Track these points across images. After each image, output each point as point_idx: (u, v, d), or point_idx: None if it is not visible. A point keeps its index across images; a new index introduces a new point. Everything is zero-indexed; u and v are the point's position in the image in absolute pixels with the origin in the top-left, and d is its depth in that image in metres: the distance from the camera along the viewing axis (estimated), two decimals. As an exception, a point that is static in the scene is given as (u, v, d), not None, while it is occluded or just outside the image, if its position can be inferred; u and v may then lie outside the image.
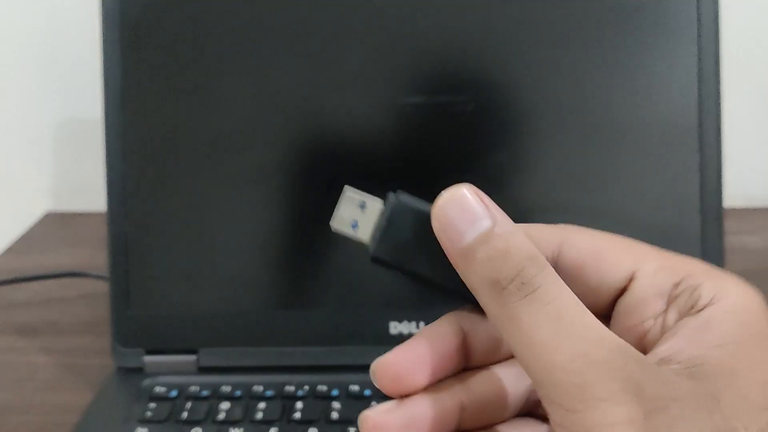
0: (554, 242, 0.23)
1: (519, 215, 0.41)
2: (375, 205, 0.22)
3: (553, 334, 0.18)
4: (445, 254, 0.20)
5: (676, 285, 0.21)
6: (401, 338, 0.42)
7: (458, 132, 0.41)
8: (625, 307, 0.22)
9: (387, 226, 0.21)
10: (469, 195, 0.21)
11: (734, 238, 0.64)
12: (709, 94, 0.40)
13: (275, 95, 0.42)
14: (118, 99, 0.42)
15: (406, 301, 0.42)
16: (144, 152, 0.43)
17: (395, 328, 0.42)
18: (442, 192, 0.20)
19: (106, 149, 0.42)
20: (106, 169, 0.43)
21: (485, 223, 0.20)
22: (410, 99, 0.41)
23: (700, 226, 0.41)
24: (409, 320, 0.41)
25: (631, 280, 0.22)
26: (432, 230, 0.20)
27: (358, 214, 0.22)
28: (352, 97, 0.42)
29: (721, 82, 0.41)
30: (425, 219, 0.21)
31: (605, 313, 0.22)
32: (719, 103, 0.41)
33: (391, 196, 0.21)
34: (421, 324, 0.41)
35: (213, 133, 0.42)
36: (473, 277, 0.20)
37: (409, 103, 0.41)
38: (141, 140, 0.42)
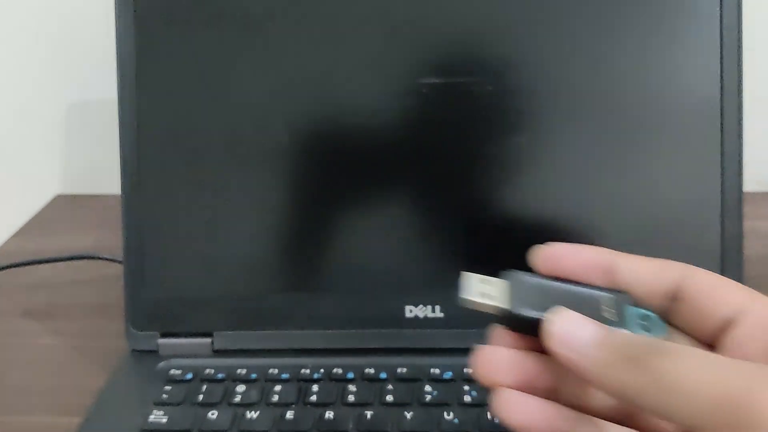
0: (676, 275, 0.26)
1: (539, 197, 0.41)
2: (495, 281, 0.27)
3: (703, 373, 0.20)
4: None
5: None
6: (417, 322, 0.42)
7: (476, 114, 0.41)
8: (734, 339, 0.24)
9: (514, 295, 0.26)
10: (567, 320, 0.23)
11: (748, 222, 0.64)
12: (731, 77, 0.40)
13: (290, 78, 0.41)
14: (133, 82, 0.42)
15: (421, 285, 0.41)
16: (158, 135, 0.42)
17: (411, 311, 0.41)
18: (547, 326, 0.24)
19: (120, 132, 0.42)
20: (120, 152, 0.42)
21: (596, 333, 0.23)
22: (426, 80, 0.41)
23: (720, 210, 0.40)
24: (425, 304, 0.41)
25: (742, 315, 0.24)
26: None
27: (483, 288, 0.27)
28: (367, 79, 0.41)
29: (742, 65, 0.40)
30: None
31: (709, 344, 0.25)
32: (741, 86, 0.40)
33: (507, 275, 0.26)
34: (437, 308, 0.41)
35: (227, 116, 0.42)
36: (608, 370, 0.22)
37: (426, 84, 0.41)
38: (155, 123, 0.42)
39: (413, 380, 0.39)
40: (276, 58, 0.41)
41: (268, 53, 0.41)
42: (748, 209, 0.65)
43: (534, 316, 0.24)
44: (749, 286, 0.53)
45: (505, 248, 0.41)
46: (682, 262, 0.41)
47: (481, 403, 0.37)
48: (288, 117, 0.42)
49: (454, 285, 0.42)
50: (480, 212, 0.41)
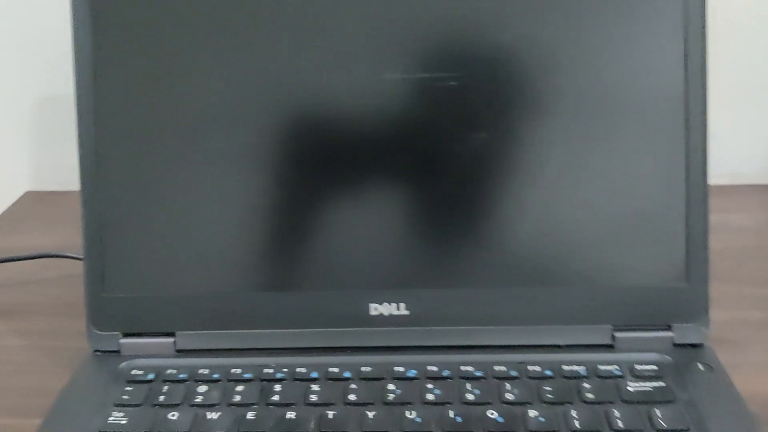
0: None
1: (504, 194, 0.41)
2: None
3: None
4: None
5: None
6: (382, 320, 0.41)
7: (440, 110, 0.40)
8: None
9: None
10: None
11: (719, 216, 0.64)
12: (694, 71, 0.40)
13: (254, 72, 0.41)
14: (90, 76, 0.41)
15: (386, 283, 0.41)
16: (118, 131, 0.41)
17: (375, 309, 0.41)
18: None
19: (78, 128, 0.41)
20: (78, 148, 0.42)
21: None
22: (394, 75, 0.40)
23: (685, 203, 0.40)
24: (389, 302, 0.41)
25: None
26: None
27: None
28: (334, 73, 0.40)
29: (706, 58, 0.40)
30: None
31: None
32: (705, 80, 0.40)
33: None
34: (402, 306, 0.41)
35: (189, 111, 0.41)
36: None
37: (393, 79, 0.40)
38: (114, 119, 0.41)
39: (377, 379, 0.39)
40: (239, 53, 0.41)
41: (230, 47, 0.41)
42: (720, 203, 0.65)
43: None
44: (719, 280, 0.53)
45: (469, 245, 0.41)
46: (648, 256, 0.41)
47: (444, 402, 0.37)
48: (252, 113, 0.41)
49: (419, 282, 0.42)
50: (444, 209, 0.41)
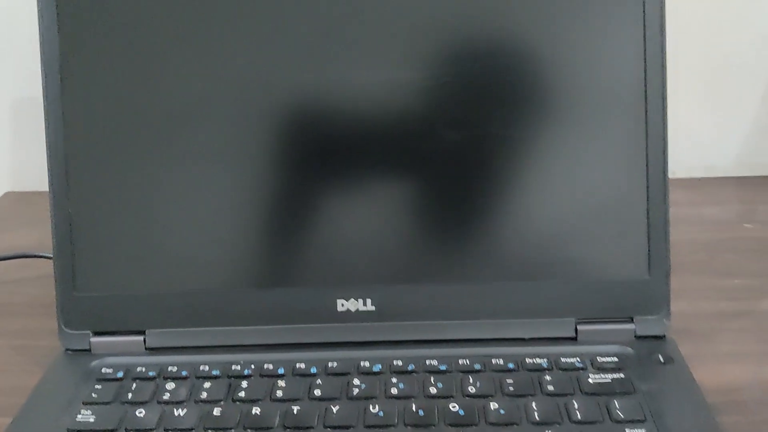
0: None
1: (468, 188, 0.41)
2: None
3: None
4: None
5: None
6: (349, 316, 0.42)
7: (416, 106, 0.41)
8: None
9: None
10: None
11: (693, 208, 0.64)
12: (654, 68, 0.40)
13: (221, 70, 0.41)
14: (57, 76, 0.41)
15: (352, 279, 0.42)
16: (86, 130, 0.42)
17: (342, 305, 0.42)
18: None
19: (47, 128, 0.42)
20: (47, 148, 0.42)
21: None
22: (366, 71, 0.41)
23: (646, 197, 0.41)
24: (356, 298, 0.41)
25: None
26: None
27: None
28: (305, 69, 0.41)
29: (666, 55, 0.40)
30: None
31: None
32: (664, 76, 0.40)
33: None
34: (369, 301, 0.41)
35: (157, 110, 0.42)
36: None
37: (370, 73, 0.41)
38: (83, 117, 0.42)
39: (342, 374, 0.39)
40: (208, 50, 0.41)
41: (199, 45, 0.41)
42: (695, 196, 0.66)
43: None
44: (691, 272, 0.54)
45: (435, 242, 0.42)
46: (610, 250, 0.41)
47: (408, 396, 0.37)
48: (219, 112, 0.41)
49: (385, 278, 0.43)
50: (410, 207, 0.42)
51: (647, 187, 0.41)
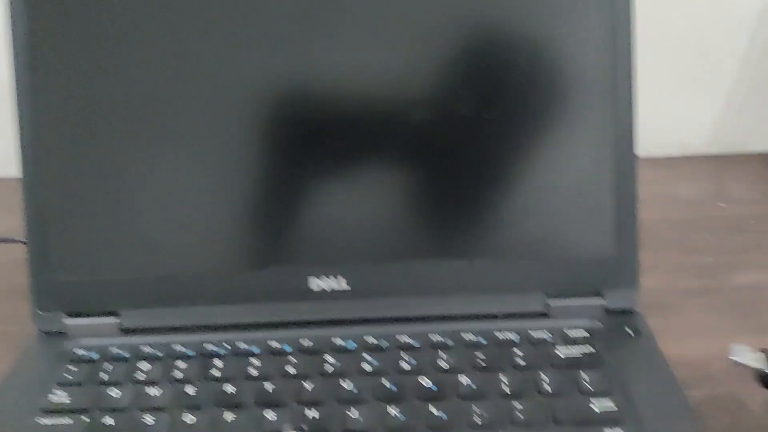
0: None
1: (437, 167, 0.41)
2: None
3: None
4: None
5: None
6: (322, 294, 0.42)
7: (383, 90, 0.41)
8: None
9: None
10: None
11: (667, 186, 0.65)
12: (621, 46, 0.40)
13: (194, 52, 0.41)
14: (27, 60, 0.41)
15: (326, 257, 0.42)
16: (58, 114, 0.42)
17: (315, 284, 0.42)
18: None
19: (18, 112, 0.42)
20: (18, 132, 0.42)
21: None
22: (338, 50, 0.41)
23: (614, 174, 0.41)
24: (329, 276, 0.42)
25: None
26: None
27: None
28: (278, 50, 0.41)
29: (633, 34, 0.41)
30: None
31: None
32: (632, 54, 0.40)
33: None
34: (341, 279, 0.42)
35: (130, 93, 0.41)
36: None
37: (336, 54, 0.41)
38: (54, 102, 0.41)
39: (316, 352, 0.40)
40: (178, 33, 0.41)
41: (169, 28, 0.41)
42: (669, 174, 0.67)
43: None
44: (659, 249, 0.54)
45: (407, 219, 0.42)
46: (579, 226, 0.42)
47: (380, 372, 0.38)
48: (191, 94, 0.41)
49: (359, 256, 0.43)
50: (382, 184, 0.42)
51: (615, 164, 0.41)
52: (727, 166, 0.66)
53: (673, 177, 0.66)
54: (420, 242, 0.42)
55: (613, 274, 0.41)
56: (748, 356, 0.39)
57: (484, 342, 0.40)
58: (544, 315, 0.41)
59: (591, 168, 0.41)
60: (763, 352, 0.39)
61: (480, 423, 0.34)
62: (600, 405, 0.35)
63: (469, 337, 0.40)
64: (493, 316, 0.41)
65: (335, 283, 0.42)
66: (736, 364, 0.38)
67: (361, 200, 0.42)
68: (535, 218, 0.42)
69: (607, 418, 0.34)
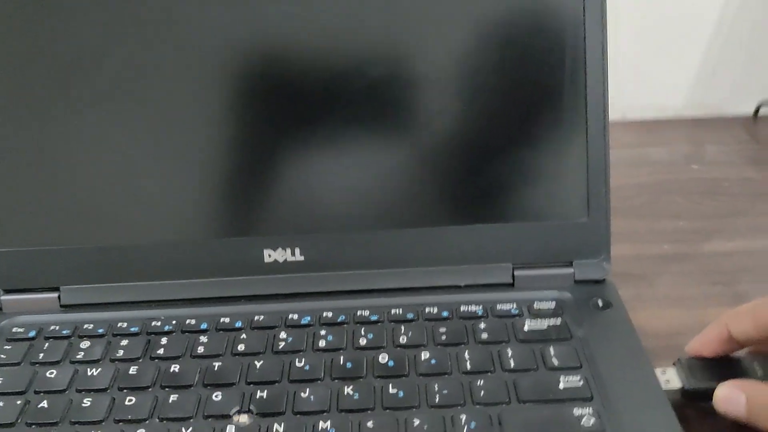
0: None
1: (397, 131, 0.39)
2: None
3: None
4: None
5: None
6: (276, 267, 0.40)
7: (341, 46, 0.38)
8: None
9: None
10: (726, 393, 0.33)
11: (641, 150, 0.63)
12: (593, 8, 0.38)
13: (139, 6, 0.38)
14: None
15: (280, 228, 0.39)
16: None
17: (270, 256, 0.39)
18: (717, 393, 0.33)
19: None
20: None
21: (742, 399, 0.32)
22: (284, 16, 0.38)
23: (585, 140, 0.39)
24: (284, 247, 0.39)
25: None
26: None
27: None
28: (222, 11, 0.38)
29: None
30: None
31: None
32: (603, 14, 0.38)
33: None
34: (297, 250, 0.39)
35: (72, 48, 0.38)
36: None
37: (278, 12, 0.38)
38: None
39: (269, 327, 0.37)
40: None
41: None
42: (644, 137, 0.65)
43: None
44: (631, 215, 0.52)
45: (364, 187, 0.39)
46: (549, 193, 0.40)
47: (336, 348, 0.36)
48: (136, 52, 0.38)
49: (315, 226, 0.40)
50: (337, 152, 0.39)
51: (586, 128, 0.39)
52: (704, 128, 0.64)
53: (646, 140, 0.64)
54: (379, 210, 0.40)
55: (583, 242, 0.39)
56: (665, 376, 0.34)
57: (446, 315, 0.37)
58: (511, 286, 0.39)
59: (561, 131, 0.39)
60: (674, 365, 0.35)
61: (438, 401, 0.32)
62: (566, 381, 0.33)
63: (430, 310, 0.38)
64: (458, 288, 0.39)
65: (290, 255, 0.39)
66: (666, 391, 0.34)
67: (318, 169, 0.39)
68: (502, 185, 0.39)
69: (574, 395, 0.32)
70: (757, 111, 0.65)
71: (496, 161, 0.39)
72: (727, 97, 0.67)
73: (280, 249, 0.39)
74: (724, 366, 0.34)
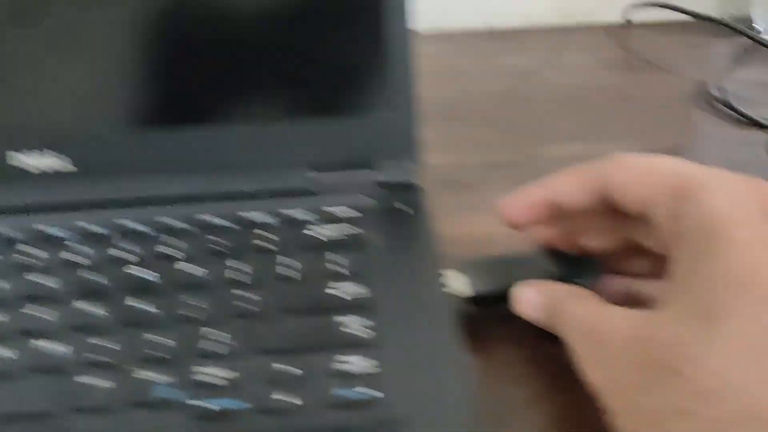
0: (596, 187, 0.29)
1: (173, 22, 0.33)
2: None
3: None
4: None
5: None
6: (25, 173, 0.34)
7: None
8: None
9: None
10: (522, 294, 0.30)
11: (499, 58, 0.59)
12: None
13: None
14: None
15: (32, 126, 0.34)
16: None
17: (16, 159, 0.33)
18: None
19: None
20: None
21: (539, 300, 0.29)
22: None
23: (382, 20, 0.34)
24: (35, 149, 0.34)
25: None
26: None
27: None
28: None
29: None
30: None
31: None
32: None
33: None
34: (50, 153, 0.34)
35: None
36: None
37: None
38: None
39: (17, 242, 0.32)
40: None
41: None
42: (501, 45, 0.61)
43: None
44: (470, 123, 0.49)
45: (138, 80, 0.34)
46: (348, 86, 0.35)
47: (92, 265, 0.31)
48: None
49: (75, 125, 0.35)
50: (110, 47, 0.33)
51: (386, 19, 0.34)
52: (564, 35, 0.61)
53: (508, 48, 0.60)
54: (155, 108, 0.34)
55: (387, 142, 0.35)
56: (455, 283, 0.31)
57: (227, 225, 0.33)
58: (307, 192, 0.35)
59: (355, 15, 0.34)
60: (461, 270, 0.32)
61: (191, 316, 0.28)
62: (341, 291, 0.29)
63: (207, 218, 0.33)
64: (247, 195, 0.35)
65: (43, 157, 0.34)
66: (450, 294, 0.30)
67: (83, 61, 0.33)
68: (295, 78, 0.35)
69: (344, 305, 0.29)
70: (627, 21, 0.62)
71: (288, 52, 0.34)
72: (595, 4, 0.64)
73: (28, 151, 0.34)
74: (517, 267, 0.31)
